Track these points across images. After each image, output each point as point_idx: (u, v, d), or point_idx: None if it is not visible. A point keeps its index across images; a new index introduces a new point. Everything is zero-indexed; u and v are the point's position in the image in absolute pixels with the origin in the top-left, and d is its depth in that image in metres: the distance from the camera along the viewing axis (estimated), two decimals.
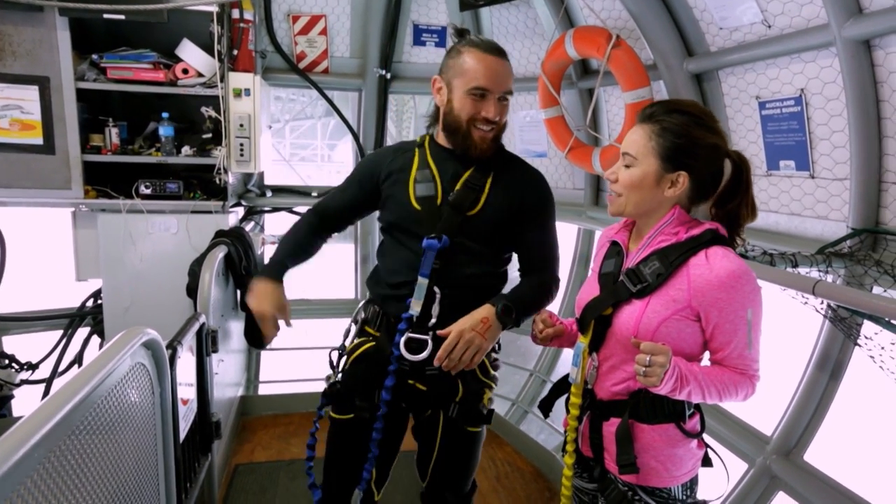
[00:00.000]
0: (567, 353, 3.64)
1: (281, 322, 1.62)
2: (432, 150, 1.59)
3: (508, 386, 3.63)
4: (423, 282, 1.50)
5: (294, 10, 3.39)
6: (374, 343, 1.60)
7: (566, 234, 3.82)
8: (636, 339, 1.24)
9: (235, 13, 2.98)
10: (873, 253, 1.98)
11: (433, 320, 1.50)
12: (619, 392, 1.31)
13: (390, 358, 1.53)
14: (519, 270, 1.70)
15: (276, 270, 1.65)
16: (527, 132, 3.74)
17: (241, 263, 2.77)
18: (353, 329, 1.68)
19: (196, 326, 2.02)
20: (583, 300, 1.39)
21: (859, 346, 1.92)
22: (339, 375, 1.64)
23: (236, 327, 3.07)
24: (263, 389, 3.59)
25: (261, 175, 3.59)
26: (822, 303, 1.88)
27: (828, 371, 2.12)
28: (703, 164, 1.25)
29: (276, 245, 1.74)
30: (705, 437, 1.36)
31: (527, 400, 3.48)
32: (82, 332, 3.22)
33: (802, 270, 1.99)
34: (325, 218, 1.73)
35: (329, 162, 15.68)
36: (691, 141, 1.23)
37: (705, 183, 1.27)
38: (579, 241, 3.68)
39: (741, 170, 1.27)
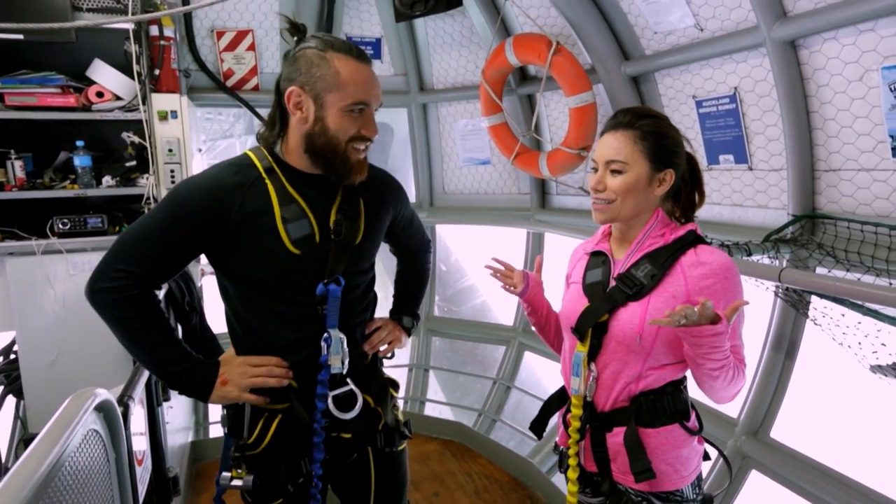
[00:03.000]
0: (530, 358, 3.68)
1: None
2: (288, 178, 1.28)
3: (473, 396, 3.59)
4: (336, 333, 1.31)
5: (218, 25, 3.19)
6: (280, 416, 1.33)
7: (514, 239, 3.87)
8: (641, 337, 1.24)
9: (154, 30, 2.76)
10: (813, 237, 2.12)
11: (345, 369, 1.34)
12: (620, 399, 1.30)
13: (314, 427, 1.33)
14: (396, 254, 1.68)
15: (195, 359, 1.28)
16: (469, 140, 3.74)
17: (184, 299, 2.55)
18: (247, 414, 1.35)
19: (145, 375, 1.82)
20: (570, 312, 1.38)
21: (809, 318, 2.05)
22: (250, 476, 1.34)
23: None
24: (214, 431, 3.33)
25: None
26: (775, 285, 1.99)
27: (783, 350, 2.24)
28: (681, 161, 1.32)
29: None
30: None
31: (493, 409, 3.46)
32: None
33: (755, 258, 2.10)
34: (153, 286, 1.28)
35: None
36: (672, 140, 1.30)
37: (683, 177, 1.34)
38: (529, 245, 3.71)
39: (692, 161, 1.36)
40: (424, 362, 3.78)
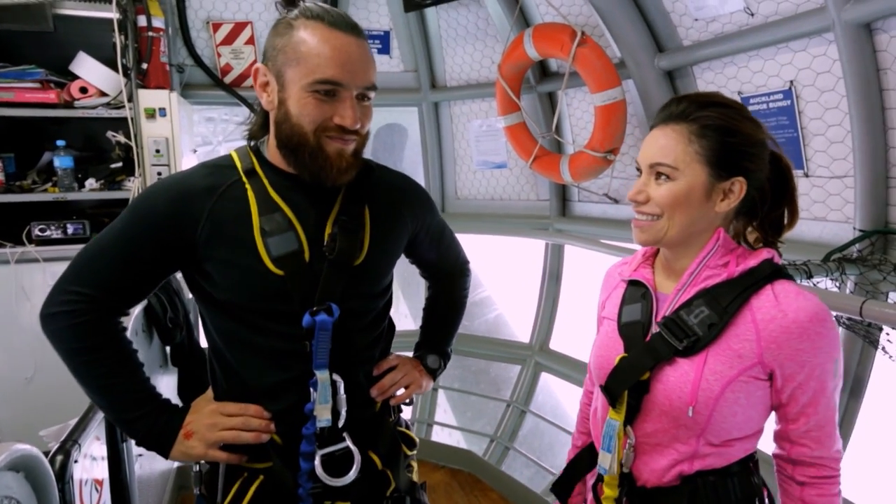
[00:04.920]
0: (548, 380, 3.39)
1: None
2: (272, 181, 1.04)
3: (484, 419, 3.31)
4: (324, 376, 1.03)
5: (214, 17, 2.97)
6: (261, 478, 1.08)
7: (532, 251, 3.58)
8: (695, 409, 0.95)
9: (142, 20, 2.54)
10: (887, 255, 1.80)
11: (342, 420, 1.06)
12: (669, 478, 1.00)
13: (298, 493, 1.07)
14: (425, 277, 1.40)
15: (157, 404, 1.04)
16: (483, 143, 3.47)
17: (165, 315, 2.32)
18: (221, 473, 1.10)
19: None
20: (601, 360, 1.09)
21: (880, 349, 1.74)
22: None
23: (167, 385, 2.58)
24: None
25: None
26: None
27: (847, 388, 1.92)
28: (760, 165, 0.99)
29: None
30: None
31: (506, 435, 3.17)
32: None
33: (816, 280, 1.79)
34: (114, 311, 1.04)
35: None
36: (745, 138, 0.97)
37: (762, 189, 1.01)
38: (548, 258, 3.41)
39: (782, 169, 1.03)
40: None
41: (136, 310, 2.10)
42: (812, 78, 1.90)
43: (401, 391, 1.21)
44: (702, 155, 0.96)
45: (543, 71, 3.01)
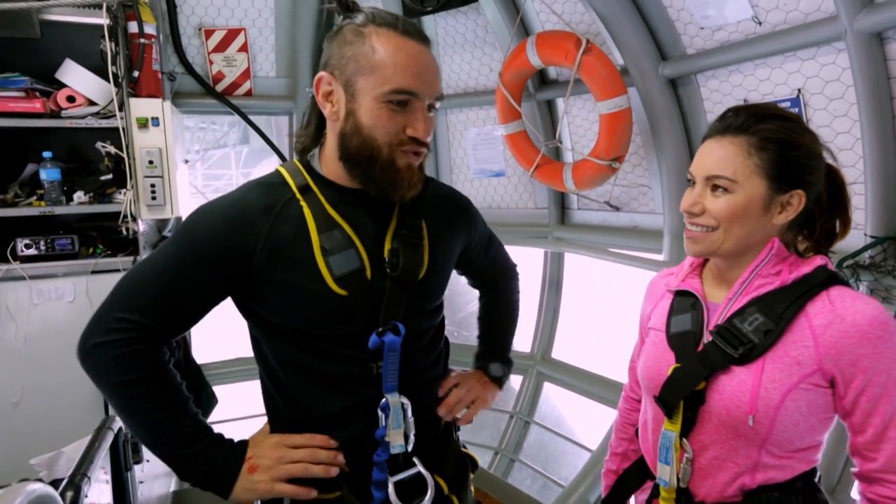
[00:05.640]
0: (550, 390, 3.35)
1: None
2: (328, 196, 1.01)
3: (487, 432, 3.26)
4: (395, 399, 1.00)
5: (206, 23, 2.88)
6: None
7: (531, 259, 3.55)
8: (755, 418, 0.93)
9: (133, 27, 2.45)
10: None
11: (411, 444, 1.02)
12: (729, 493, 0.98)
13: None
14: (475, 286, 1.39)
15: (213, 438, 0.97)
16: (480, 150, 3.44)
17: None
18: None
19: (109, 438, 1.49)
20: (653, 372, 1.06)
21: None
22: None
23: None
24: None
25: (178, 219, 3.02)
26: None
27: None
28: (819, 178, 1.00)
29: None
30: None
31: (511, 446, 3.12)
32: None
33: None
34: (162, 341, 0.97)
35: None
36: (805, 151, 0.97)
37: (819, 200, 1.01)
38: (547, 266, 3.40)
39: (835, 178, 1.04)
40: None
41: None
42: (821, 86, 1.92)
43: (462, 411, 1.17)
44: (762, 168, 0.95)
45: (542, 79, 3.00)
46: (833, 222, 1.04)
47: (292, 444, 0.98)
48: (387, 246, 1.01)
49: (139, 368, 0.92)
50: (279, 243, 0.95)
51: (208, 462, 0.94)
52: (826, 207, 1.02)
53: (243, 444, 0.99)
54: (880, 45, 1.70)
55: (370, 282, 0.98)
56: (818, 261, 0.99)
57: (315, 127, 1.04)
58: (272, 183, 1.02)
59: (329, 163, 1.01)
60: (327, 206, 1.00)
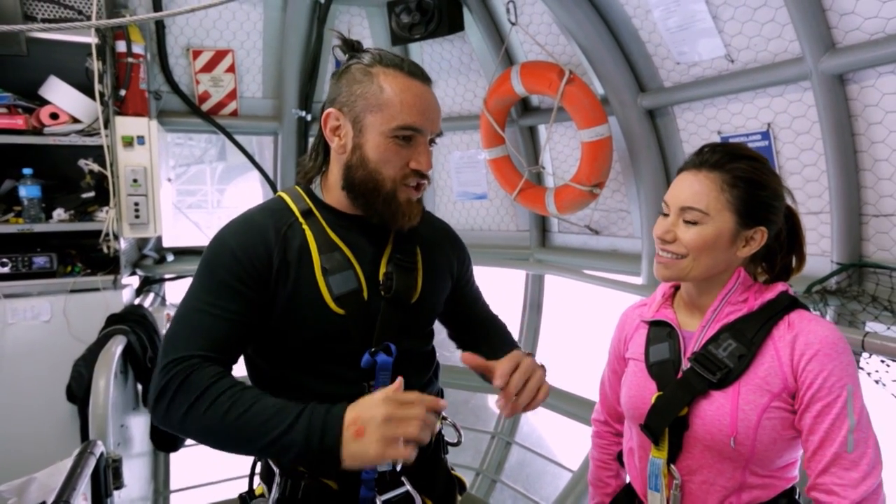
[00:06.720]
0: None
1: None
2: (329, 220, 1.06)
3: (469, 453, 3.26)
4: None
5: (195, 43, 2.90)
6: None
7: (512, 281, 3.61)
8: (736, 440, 0.97)
9: (122, 46, 2.45)
10: (862, 287, 1.92)
11: (399, 464, 1.01)
12: None
13: None
14: (455, 340, 1.31)
15: (305, 410, 0.89)
16: (464, 173, 3.50)
17: (145, 354, 2.19)
18: None
19: (92, 464, 1.46)
20: (636, 401, 1.11)
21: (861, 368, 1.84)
22: None
23: (138, 426, 2.43)
24: (177, 501, 2.90)
25: (159, 238, 2.99)
26: None
27: None
28: (779, 217, 1.09)
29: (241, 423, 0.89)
30: None
31: (492, 467, 3.13)
32: None
33: None
34: (227, 362, 0.99)
35: (220, 207, 14.87)
36: (771, 192, 1.06)
37: (778, 237, 1.10)
38: (528, 288, 3.45)
39: (793, 218, 1.14)
40: None
41: (116, 350, 1.97)
42: (789, 121, 2.04)
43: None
44: (732, 204, 1.02)
45: (525, 106, 3.09)
46: (790, 258, 1.13)
47: (404, 399, 0.87)
48: (382, 269, 1.06)
49: (199, 385, 0.90)
50: (286, 262, 1.00)
51: (305, 431, 0.85)
52: (784, 244, 1.11)
53: (340, 407, 0.88)
54: (842, 86, 1.83)
55: (366, 302, 1.03)
56: (780, 287, 1.08)
57: (323, 157, 1.10)
58: (276, 208, 1.07)
59: (332, 190, 1.08)
60: (328, 229, 1.05)
